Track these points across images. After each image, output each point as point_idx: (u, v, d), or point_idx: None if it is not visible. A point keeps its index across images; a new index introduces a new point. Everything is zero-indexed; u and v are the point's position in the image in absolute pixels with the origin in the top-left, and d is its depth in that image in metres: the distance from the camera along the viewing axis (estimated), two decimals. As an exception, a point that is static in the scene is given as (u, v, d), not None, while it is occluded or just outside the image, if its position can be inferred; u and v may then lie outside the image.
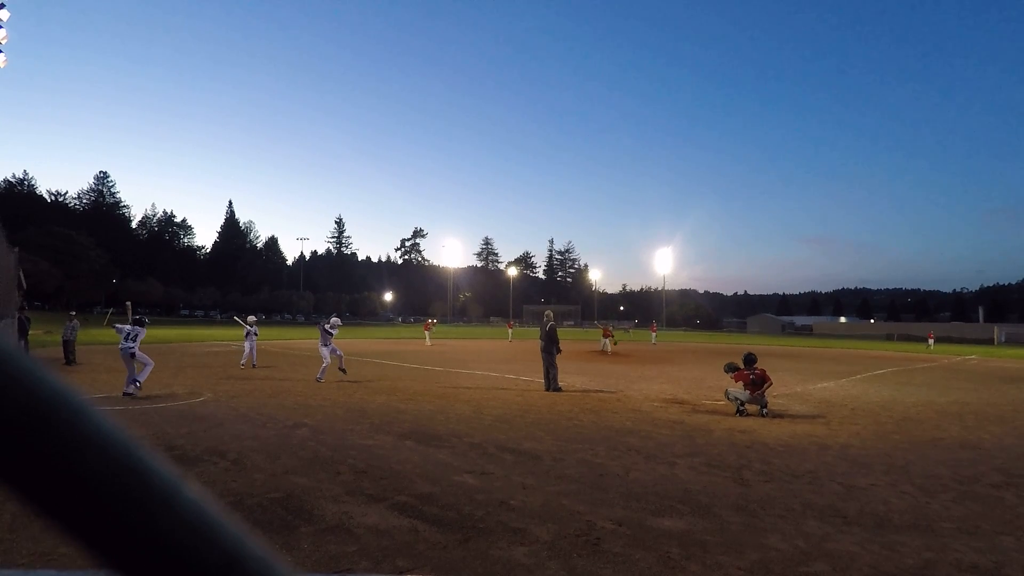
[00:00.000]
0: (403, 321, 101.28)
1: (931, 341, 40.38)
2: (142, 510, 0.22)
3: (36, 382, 0.22)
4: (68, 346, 15.91)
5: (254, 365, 15.34)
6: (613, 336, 28.29)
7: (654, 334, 39.12)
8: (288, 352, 21.23)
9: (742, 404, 9.65)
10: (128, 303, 14.05)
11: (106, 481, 0.22)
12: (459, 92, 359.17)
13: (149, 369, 10.26)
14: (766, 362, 22.70)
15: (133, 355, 10.09)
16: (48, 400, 0.22)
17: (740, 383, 9.81)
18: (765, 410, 9.60)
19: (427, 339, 32.04)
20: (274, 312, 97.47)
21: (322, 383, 12.42)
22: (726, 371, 10.27)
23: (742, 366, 9.99)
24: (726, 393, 10.03)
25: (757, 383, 9.69)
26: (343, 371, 13.22)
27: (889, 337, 73.67)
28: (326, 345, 13.10)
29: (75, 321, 16.43)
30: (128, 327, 10.52)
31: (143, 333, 10.59)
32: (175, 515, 0.23)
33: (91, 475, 0.22)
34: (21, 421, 0.21)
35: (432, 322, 34.84)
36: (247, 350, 15.47)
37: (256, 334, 15.91)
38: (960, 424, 9.29)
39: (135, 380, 9.97)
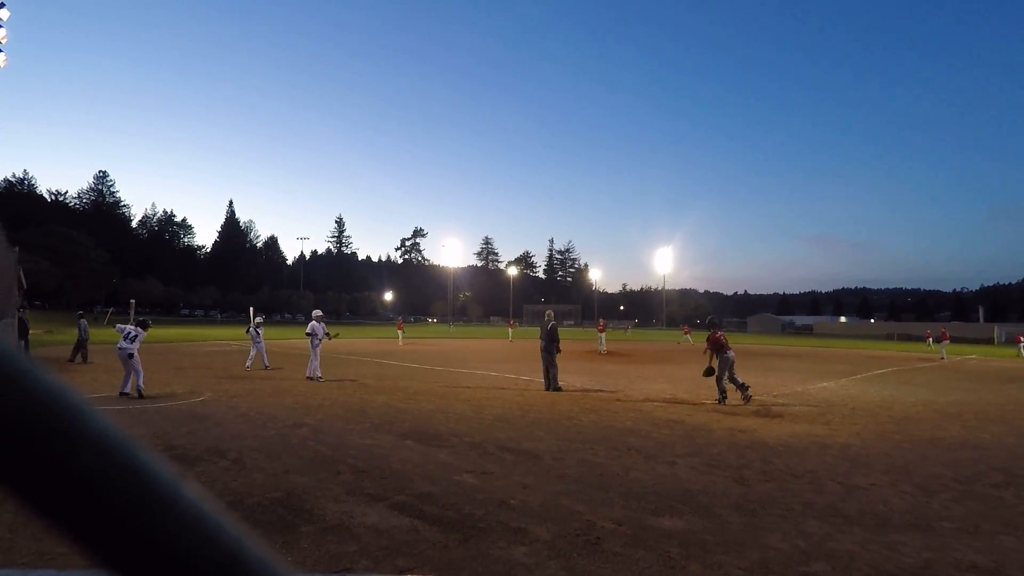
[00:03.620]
0: (403, 320, 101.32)
1: (930, 340, 40.43)
2: (141, 510, 0.22)
3: (34, 382, 0.22)
4: (81, 345, 15.96)
5: (266, 366, 15.08)
6: (605, 332, 28.90)
7: (687, 336, 40.32)
8: (288, 352, 21.23)
9: (724, 394, 10.61)
10: (132, 301, 14.14)
11: (105, 481, 0.22)
12: (459, 92, 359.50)
13: (141, 378, 10.04)
14: (766, 361, 22.79)
15: (131, 356, 10.05)
16: (47, 400, 0.22)
17: (710, 347, 10.91)
18: (721, 398, 10.49)
19: (399, 339, 31.85)
20: (274, 312, 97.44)
21: (322, 382, 12.44)
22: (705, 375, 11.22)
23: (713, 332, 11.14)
24: (716, 379, 10.88)
25: (713, 346, 10.76)
26: (313, 378, 13.03)
27: (889, 337, 73.66)
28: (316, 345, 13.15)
29: (84, 321, 16.44)
30: (129, 327, 10.51)
31: (143, 335, 10.54)
32: (174, 515, 0.22)
33: (90, 475, 0.22)
34: (20, 421, 0.21)
35: (432, 321, 34.85)
36: (252, 352, 15.34)
37: (257, 336, 15.44)
38: (960, 424, 9.29)
39: (139, 388, 9.89)
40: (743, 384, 10.64)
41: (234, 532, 0.24)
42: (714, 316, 12.14)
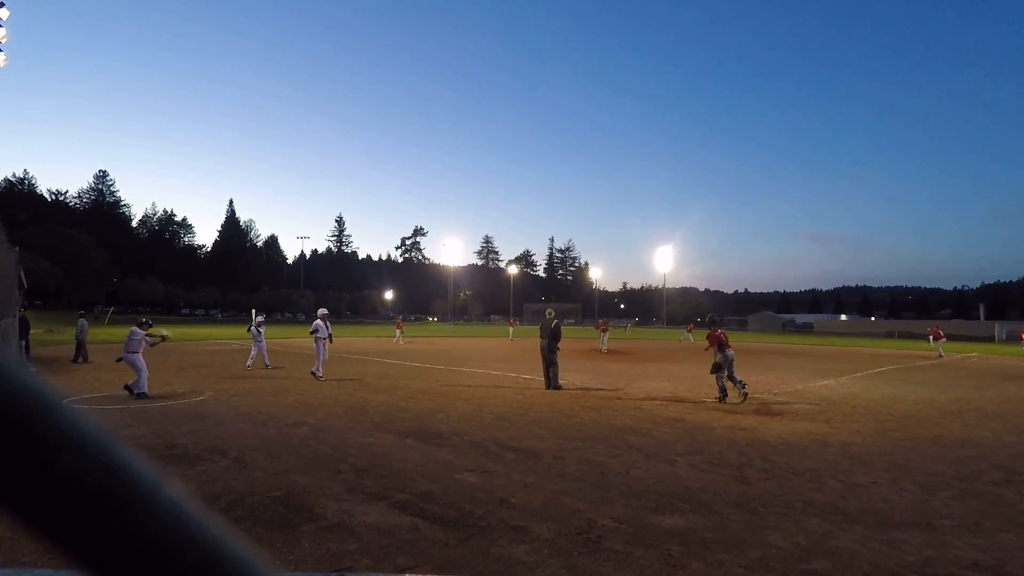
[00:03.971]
0: (403, 319, 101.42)
1: (931, 338, 40.32)
2: (120, 510, 0.22)
3: (8, 380, 0.21)
4: (80, 345, 15.97)
5: (267, 365, 15.13)
6: (608, 331, 28.64)
7: (689, 334, 40.99)
8: (289, 351, 21.24)
9: (724, 392, 10.63)
10: (111, 308, 14.17)
11: (82, 480, 0.21)
12: (459, 92, 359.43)
13: (143, 376, 9.94)
14: (767, 359, 22.78)
15: (119, 359, 10.06)
16: (21, 398, 0.21)
17: (712, 344, 10.98)
18: (721, 396, 10.58)
19: (398, 338, 31.84)
20: (275, 311, 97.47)
21: (322, 381, 12.43)
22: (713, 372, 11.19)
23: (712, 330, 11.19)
24: (716, 378, 10.93)
25: (714, 343, 10.84)
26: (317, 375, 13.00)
27: (890, 335, 73.61)
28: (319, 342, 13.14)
29: (83, 320, 16.43)
30: (134, 329, 10.52)
31: (138, 333, 10.48)
32: (153, 515, 0.22)
33: (67, 475, 0.21)
34: None
35: (433, 320, 34.81)
36: (253, 352, 15.31)
37: (258, 335, 15.41)
38: (961, 422, 9.28)
39: (141, 391, 9.82)
40: (740, 382, 10.70)
41: (215, 531, 0.23)
42: (714, 314, 12.16)
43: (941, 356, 27.20)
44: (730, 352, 10.79)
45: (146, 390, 9.83)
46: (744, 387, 10.68)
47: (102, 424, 0.23)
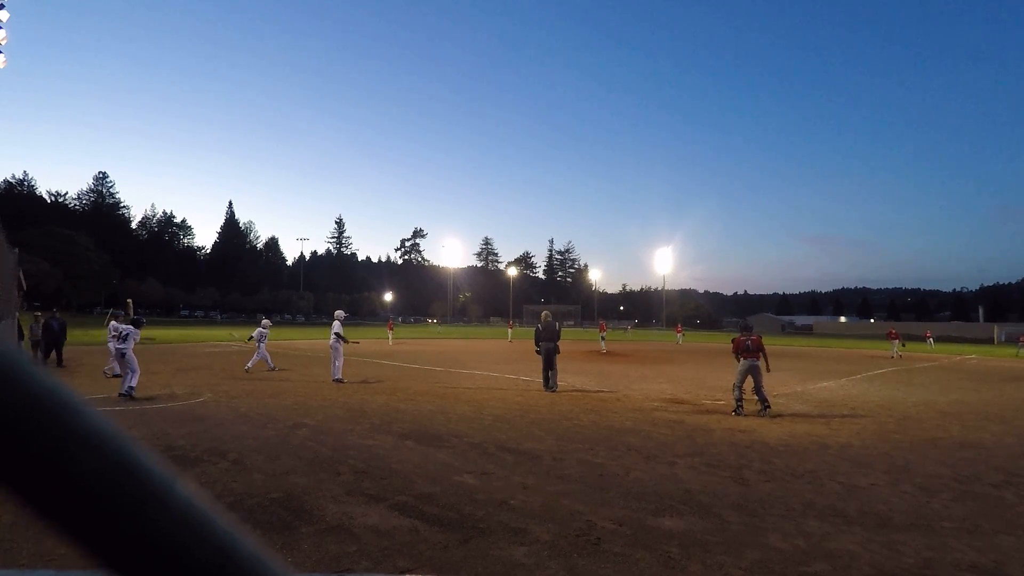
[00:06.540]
0: (402, 321, 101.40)
1: (931, 340, 40.33)
2: (135, 508, 0.22)
3: (29, 380, 0.22)
4: (36, 346, 15.50)
5: (271, 368, 15.11)
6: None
7: (680, 335, 42.11)
8: (289, 352, 21.22)
9: (740, 404, 9.72)
10: (129, 300, 14.10)
11: (99, 479, 0.22)
12: (459, 92, 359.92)
13: (135, 376, 9.93)
14: (766, 362, 22.73)
15: (123, 355, 10.06)
16: (41, 398, 0.22)
17: (738, 354, 9.97)
18: (766, 408, 9.58)
19: (389, 339, 31.97)
20: (274, 312, 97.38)
21: (322, 383, 12.41)
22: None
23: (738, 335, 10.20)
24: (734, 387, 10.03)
25: (752, 349, 9.82)
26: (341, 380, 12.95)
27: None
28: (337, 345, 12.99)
29: (42, 321, 16.09)
30: (123, 327, 10.52)
31: (135, 333, 10.48)
32: (168, 513, 0.23)
33: (84, 473, 0.22)
34: (14, 418, 0.21)
35: (432, 321, 34.97)
36: (255, 357, 15.17)
37: (260, 339, 15.37)
38: (960, 424, 9.29)
39: (130, 389, 9.79)
40: (764, 399, 9.80)
41: (228, 530, 0.24)
42: (746, 319, 11.27)
43: (900, 357, 27.31)
44: (753, 362, 9.84)
45: (124, 390, 9.79)
46: (768, 406, 9.70)
47: (118, 425, 0.24)
